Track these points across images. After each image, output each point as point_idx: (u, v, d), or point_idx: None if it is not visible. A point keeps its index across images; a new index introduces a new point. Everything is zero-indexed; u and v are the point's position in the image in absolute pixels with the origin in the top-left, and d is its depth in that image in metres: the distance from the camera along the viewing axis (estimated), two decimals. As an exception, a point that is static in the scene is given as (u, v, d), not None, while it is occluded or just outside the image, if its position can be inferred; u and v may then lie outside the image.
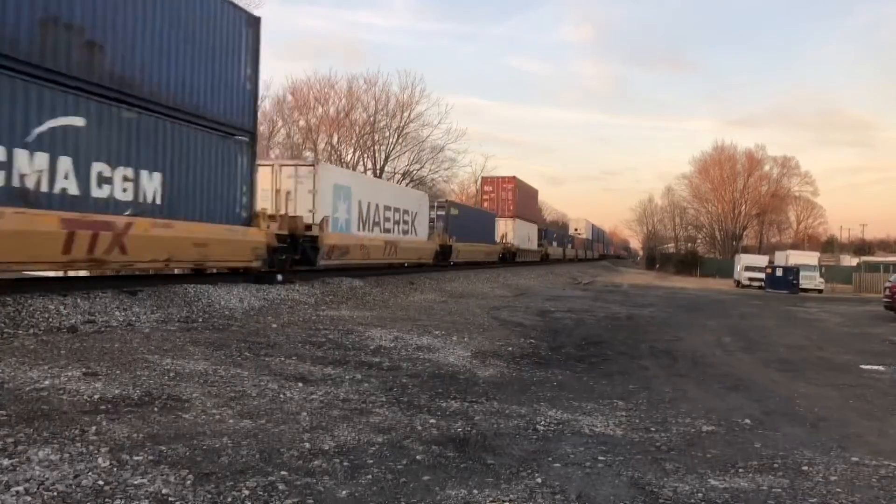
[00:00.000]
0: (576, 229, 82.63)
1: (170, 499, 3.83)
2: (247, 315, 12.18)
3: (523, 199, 47.06)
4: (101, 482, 3.96)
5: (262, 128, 44.33)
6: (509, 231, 43.25)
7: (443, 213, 31.23)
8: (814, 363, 11.31)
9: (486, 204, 44.87)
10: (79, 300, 10.45)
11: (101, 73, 10.45)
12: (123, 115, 10.90)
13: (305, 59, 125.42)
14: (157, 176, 11.65)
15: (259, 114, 44.48)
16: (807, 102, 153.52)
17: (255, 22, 14.38)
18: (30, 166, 9.26)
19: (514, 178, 46.40)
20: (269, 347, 9.08)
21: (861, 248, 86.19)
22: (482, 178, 50.58)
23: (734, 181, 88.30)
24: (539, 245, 52.25)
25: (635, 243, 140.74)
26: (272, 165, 18.42)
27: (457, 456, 5.00)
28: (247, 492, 4.01)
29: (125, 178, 10.97)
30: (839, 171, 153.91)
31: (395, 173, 50.29)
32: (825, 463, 5.34)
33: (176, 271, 14.80)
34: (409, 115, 50.24)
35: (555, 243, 60.00)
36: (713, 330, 16.10)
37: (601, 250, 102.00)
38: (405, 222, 25.31)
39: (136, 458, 4.40)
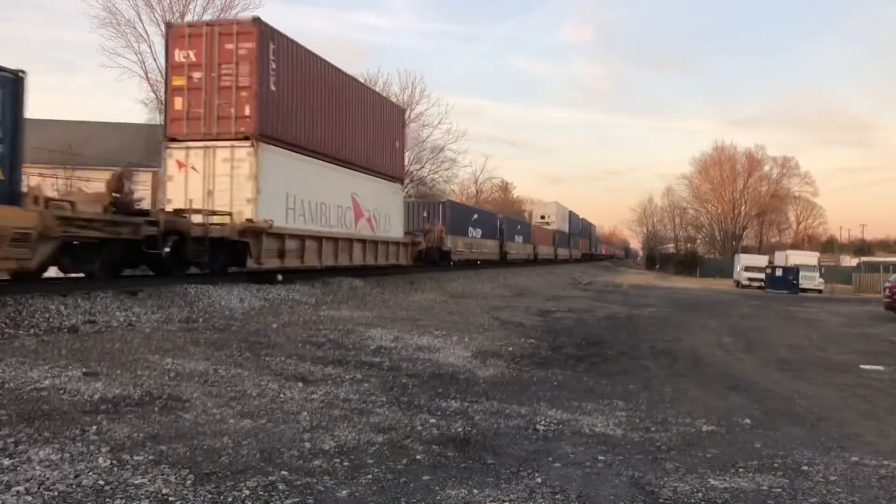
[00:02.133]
0: (542, 217, 60.09)
1: (170, 498, 3.83)
2: (247, 315, 12.18)
3: (315, 97, 17.42)
4: (101, 482, 3.97)
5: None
6: (239, 187, 14.73)
7: None
8: (814, 363, 11.31)
9: (177, 101, 15.30)
10: (79, 300, 10.46)
11: None
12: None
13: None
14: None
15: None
16: (807, 102, 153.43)
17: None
18: None
19: (254, 23, 15.09)
20: (269, 347, 9.08)
21: (861, 248, 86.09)
22: (168, 28, 16.42)
23: (734, 181, 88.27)
24: (421, 230, 27.66)
25: (635, 244, 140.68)
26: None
27: (457, 456, 5.00)
28: (247, 492, 4.01)
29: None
30: (839, 171, 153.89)
31: (394, 173, 50.17)
32: (825, 463, 5.34)
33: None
34: (409, 114, 50.12)
35: (475, 232, 35.63)
36: (713, 330, 16.10)
37: (586, 248, 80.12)
38: None
39: (136, 457, 4.40)
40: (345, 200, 19.05)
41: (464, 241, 33.63)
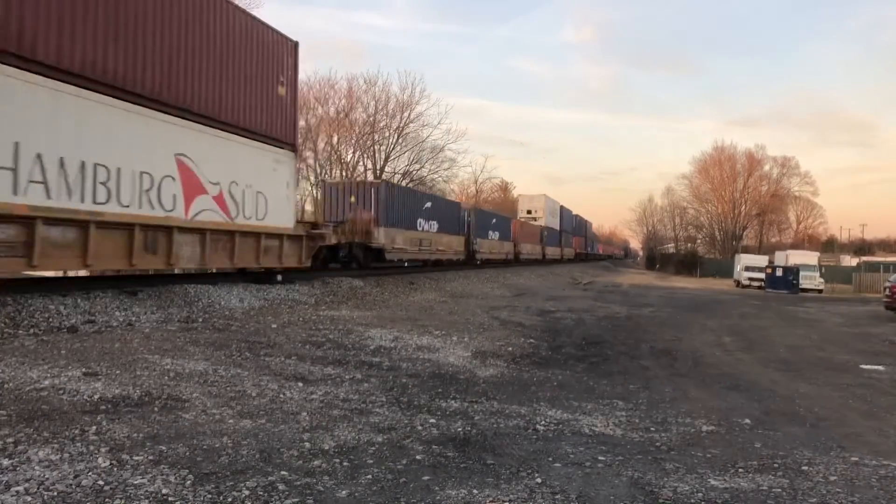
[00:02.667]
0: (528, 211, 54.27)
1: (170, 499, 3.83)
2: (247, 315, 12.18)
3: None
4: (101, 482, 3.96)
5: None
6: None
7: None
8: (814, 363, 11.30)
9: None
10: (79, 300, 10.46)
11: None
12: None
13: (306, 61, 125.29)
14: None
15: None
16: (807, 103, 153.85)
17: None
18: None
19: None
20: (269, 347, 9.08)
21: (861, 248, 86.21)
22: None
23: (734, 181, 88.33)
24: (335, 221, 22.03)
25: (635, 243, 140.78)
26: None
27: (457, 456, 5.00)
28: (247, 492, 4.01)
29: None
30: (839, 171, 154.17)
31: (394, 173, 50.30)
32: (825, 463, 5.34)
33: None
34: (409, 115, 50.17)
35: (429, 224, 28.42)
36: (713, 330, 16.10)
37: (580, 246, 74.77)
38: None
39: (136, 457, 4.40)
40: (161, 165, 11.84)
41: (407, 236, 25.72)
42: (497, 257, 40.08)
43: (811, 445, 5.86)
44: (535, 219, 53.36)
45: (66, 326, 9.22)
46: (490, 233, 38.53)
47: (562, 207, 62.86)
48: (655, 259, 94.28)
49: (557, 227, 59.57)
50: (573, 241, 69.09)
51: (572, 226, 69.43)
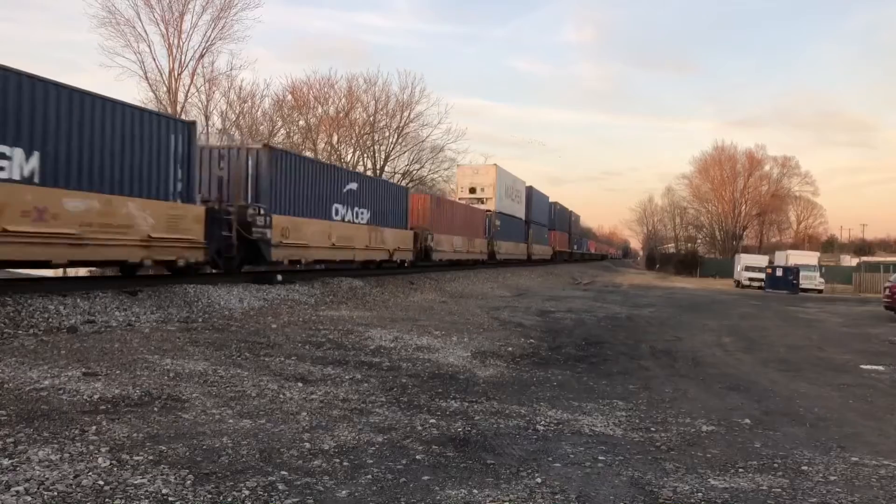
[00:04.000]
0: (472, 189, 37.17)
1: (170, 499, 3.83)
2: (246, 315, 12.18)
3: None
4: (101, 482, 3.96)
5: (262, 127, 44.40)
6: None
7: None
8: (814, 363, 11.30)
9: None
10: (79, 300, 10.45)
11: None
12: None
13: (307, 61, 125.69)
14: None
15: (259, 113, 41.99)
16: (807, 103, 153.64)
17: None
18: None
19: None
20: (268, 347, 9.08)
21: (861, 248, 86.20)
22: None
23: (734, 181, 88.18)
24: None
25: (635, 243, 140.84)
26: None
27: (457, 456, 5.00)
28: (247, 492, 4.01)
29: None
30: (839, 171, 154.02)
31: (394, 173, 50.30)
32: (825, 463, 5.34)
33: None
34: (409, 114, 50.00)
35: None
36: (713, 330, 16.09)
37: (562, 244, 58.71)
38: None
39: (136, 458, 4.40)
40: None
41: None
42: (363, 255, 20.94)
43: (811, 445, 5.86)
44: (481, 200, 36.79)
45: (65, 326, 9.22)
46: (342, 209, 19.72)
47: (531, 189, 45.85)
48: (655, 259, 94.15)
49: (521, 216, 43.33)
50: (550, 236, 53.33)
51: (549, 216, 53.36)
